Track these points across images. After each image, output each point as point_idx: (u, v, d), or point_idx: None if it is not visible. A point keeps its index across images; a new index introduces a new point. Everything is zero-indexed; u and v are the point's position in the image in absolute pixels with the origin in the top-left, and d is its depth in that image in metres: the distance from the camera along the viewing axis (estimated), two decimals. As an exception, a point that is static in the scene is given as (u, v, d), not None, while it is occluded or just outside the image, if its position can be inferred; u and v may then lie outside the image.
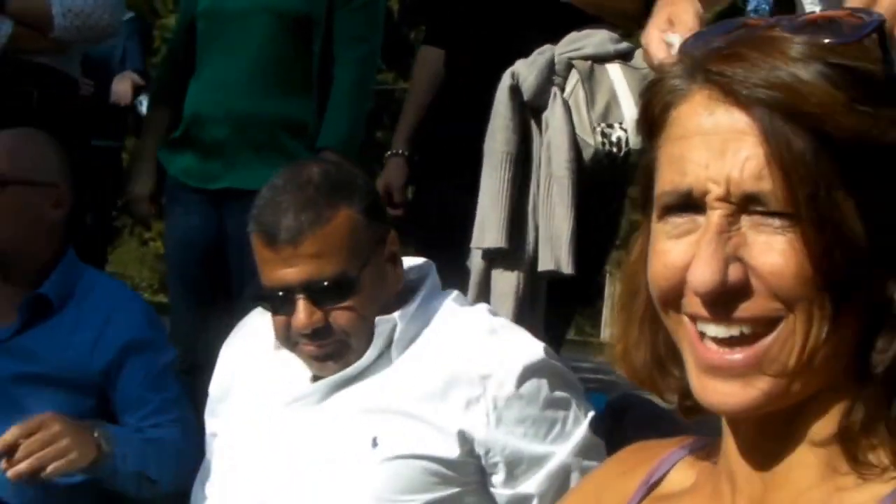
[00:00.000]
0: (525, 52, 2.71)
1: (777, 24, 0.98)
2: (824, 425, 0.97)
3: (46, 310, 2.64)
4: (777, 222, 0.93)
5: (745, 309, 0.94)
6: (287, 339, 1.96)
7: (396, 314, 1.98)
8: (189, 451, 2.45)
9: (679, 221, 0.97)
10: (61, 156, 2.72)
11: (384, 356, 1.98)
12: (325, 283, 1.91)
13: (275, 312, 1.96)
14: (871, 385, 0.95)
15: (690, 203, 0.96)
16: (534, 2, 2.91)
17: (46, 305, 2.64)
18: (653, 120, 1.01)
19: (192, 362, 3.37)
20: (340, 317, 1.93)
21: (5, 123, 3.06)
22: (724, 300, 0.94)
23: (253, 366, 2.10)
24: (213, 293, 3.42)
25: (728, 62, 0.95)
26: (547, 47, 2.67)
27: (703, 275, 0.93)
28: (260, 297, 1.99)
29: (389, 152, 3.36)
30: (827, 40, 0.95)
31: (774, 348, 0.94)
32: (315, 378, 2.01)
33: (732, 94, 0.94)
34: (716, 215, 0.94)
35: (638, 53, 2.66)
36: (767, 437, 0.99)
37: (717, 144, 0.94)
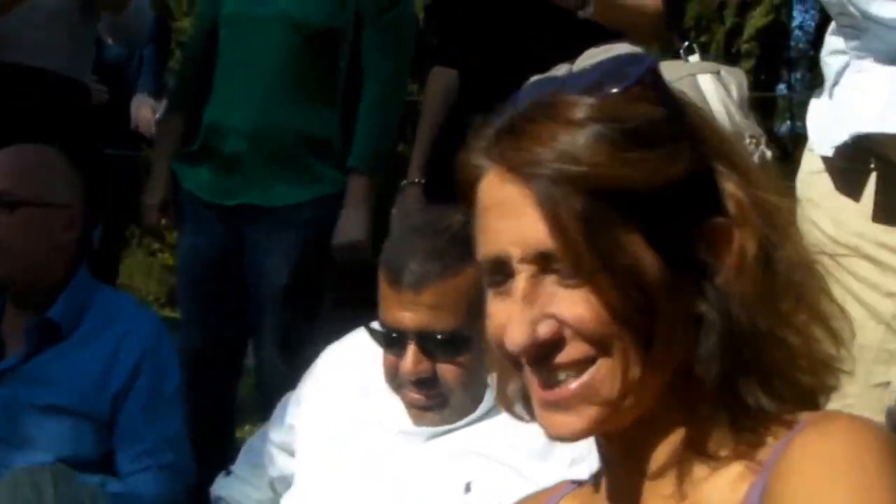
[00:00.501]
0: (540, 70, 2.64)
1: (564, 85, 1.14)
2: (674, 437, 1.10)
3: (55, 334, 2.57)
4: (571, 279, 1.05)
5: (563, 356, 1.06)
6: (393, 378, 1.94)
7: None
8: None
9: (499, 287, 1.10)
10: (75, 174, 2.65)
11: (495, 407, 1.93)
12: (439, 336, 1.89)
13: (386, 349, 1.94)
14: (704, 390, 1.07)
15: (502, 269, 1.08)
16: (550, 18, 2.81)
17: (55, 330, 2.57)
18: (465, 193, 1.13)
19: (197, 379, 3.33)
20: (448, 371, 1.91)
21: (13, 132, 3.00)
22: (542, 353, 1.06)
23: (356, 388, 2.10)
24: (225, 310, 3.35)
25: (516, 140, 1.08)
26: (564, 65, 2.61)
27: (513, 337, 1.06)
28: (375, 330, 1.96)
29: (405, 181, 3.26)
30: (604, 93, 1.08)
31: (596, 383, 1.06)
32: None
33: (517, 171, 1.06)
34: (521, 279, 1.07)
35: (661, 66, 2.58)
36: (627, 455, 1.12)
37: (511, 213, 1.07)
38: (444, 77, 3.19)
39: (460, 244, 1.84)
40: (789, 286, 1.09)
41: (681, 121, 1.10)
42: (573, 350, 1.05)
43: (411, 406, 1.95)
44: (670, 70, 2.63)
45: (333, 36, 3.27)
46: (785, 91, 13.36)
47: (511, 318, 1.06)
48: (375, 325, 1.96)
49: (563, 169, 1.04)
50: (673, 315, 1.05)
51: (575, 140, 1.05)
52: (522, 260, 1.06)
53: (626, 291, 1.03)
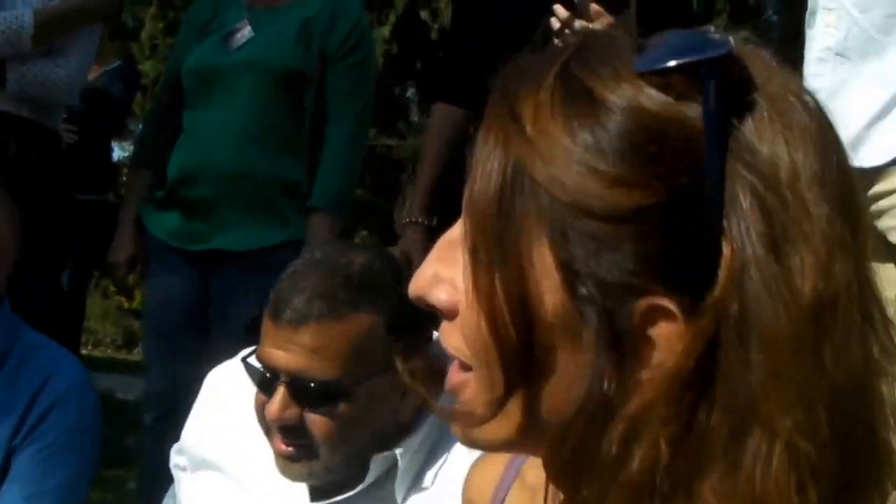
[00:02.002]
0: None
1: None
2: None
3: None
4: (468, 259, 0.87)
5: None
6: (262, 419, 1.77)
7: (398, 451, 1.76)
8: None
9: None
10: (8, 206, 2.42)
11: (387, 489, 1.77)
12: (312, 384, 1.69)
13: (258, 387, 1.77)
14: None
15: None
16: None
17: None
18: None
19: (165, 428, 3.29)
20: (318, 423, 1.71)
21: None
22: None
23: (243, 436, 1.90)
24: (189, 354, 3.30)
25: None
26: None
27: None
28: (250, 365, 1.79)
29: (406, 220, 3.17)
30: None
31: (465, 397, 0.86)
32: (313, 496, 1.82)
33: None
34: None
35: None
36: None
37: None
38: (449, 115, 3.14)
39: (356, 288, 1.69)
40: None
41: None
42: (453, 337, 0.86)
43: (277, 454, 1.76)
44: None
45: (300, 79, 3.30)
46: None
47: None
48: (253, 359, 1.77)
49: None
50: (563, 365, 0.81)
51: None
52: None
53: (510, 307, 0.80)
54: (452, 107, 3.14)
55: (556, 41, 2.65)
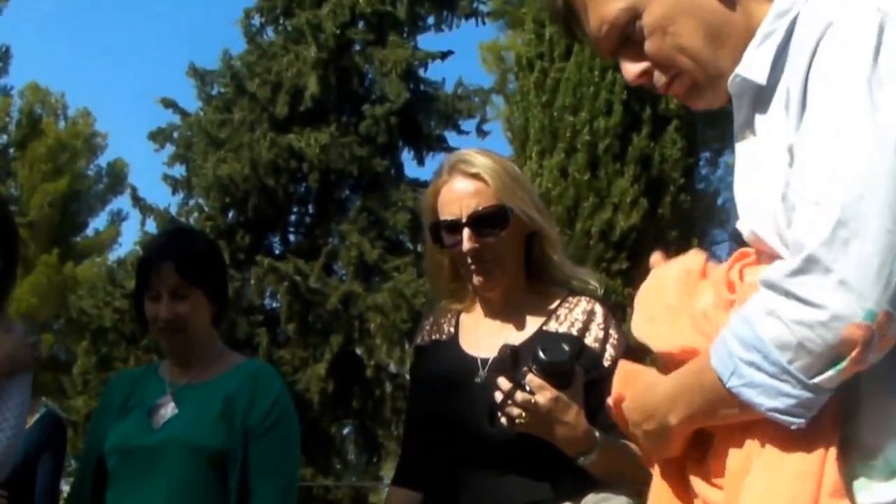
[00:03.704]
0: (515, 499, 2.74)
1: None
2: None
3: None
4: None
5: None
6: None
7: None
8: None
9: None
10: None
11: None
12: None
13: None
14: None
15: None
16: (541, 464, 2.77)
17: None
18: None
19: None
20: None
21: None
22: None
23: None
24: None
25: None
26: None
27: None
28: None
29: None
30: None
31: None
32: None
33: None
34: None
35: None
36: None
37: None
38: (403, 499, 3.09)
39: None
40: None
41: None
42: None
43: None
44: None
45: (225, 457, 3.23)
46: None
47: None
48: None
49: None
50: None
51: None
52: None
53: None
54: (406, 490, 3.09)
55: (499, 415, 2.67)
